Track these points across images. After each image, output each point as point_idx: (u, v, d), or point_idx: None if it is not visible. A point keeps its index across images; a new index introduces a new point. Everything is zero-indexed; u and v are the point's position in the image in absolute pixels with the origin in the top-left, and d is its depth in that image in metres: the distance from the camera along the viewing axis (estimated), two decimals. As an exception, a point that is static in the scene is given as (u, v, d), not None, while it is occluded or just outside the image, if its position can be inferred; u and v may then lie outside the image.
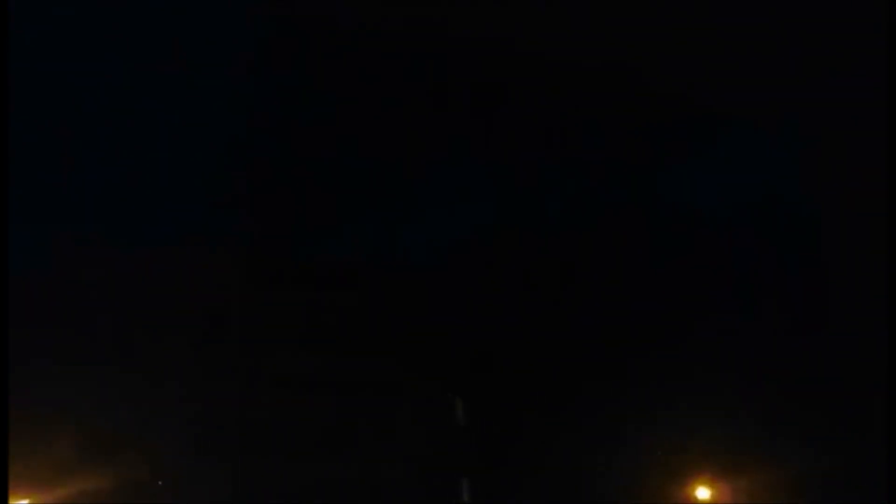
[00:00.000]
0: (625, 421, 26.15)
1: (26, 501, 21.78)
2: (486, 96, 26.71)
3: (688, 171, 27.59)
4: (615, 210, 28.31)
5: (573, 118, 27.23)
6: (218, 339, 25.50)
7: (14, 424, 17.99)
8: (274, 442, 25.37)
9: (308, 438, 25.57)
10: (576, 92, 25.70)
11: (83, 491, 22.23)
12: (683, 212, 28.26)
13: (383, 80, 26.73)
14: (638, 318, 27.26)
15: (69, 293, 24.30)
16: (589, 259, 27.84)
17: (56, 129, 25.15)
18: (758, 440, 25.04)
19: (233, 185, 26.92)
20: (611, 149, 27.82)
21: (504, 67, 24.79)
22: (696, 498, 27.22)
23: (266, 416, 25.40)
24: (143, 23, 26.27)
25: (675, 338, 26.76)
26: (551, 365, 26.92)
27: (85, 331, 24.00)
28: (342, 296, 26.67)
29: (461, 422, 27.64)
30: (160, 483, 24.09)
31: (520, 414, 26.91)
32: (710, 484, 27.00)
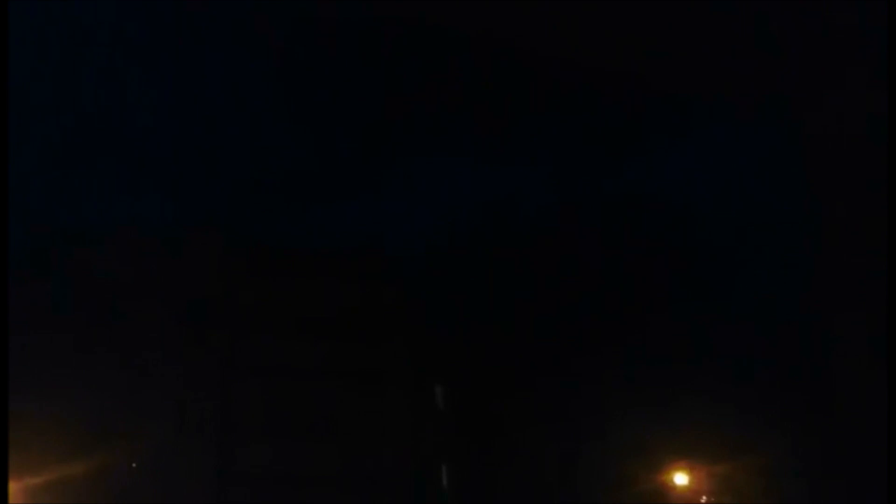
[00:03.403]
0: (605, 409, 26.32)
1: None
2: (469, 90, 26.70)
3: (674, 163, 27.80)
4: (600, 203, 28.45)
5: (557, 113, 27.31)
6: (202, 327, 25.43)
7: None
8: (259, 428, 25.39)
9: (292, 424, 25.59)
10: (560, 86, 25.75)
11: (66, 475, 22.13)
12: (667, 205, 28.48)
13: (371, 74, 26.68)
14: (620, 309, 27.43)
15: (54, 284, 24.16)
16: (571, 251, 27.98)
17: (43, 124, 24.88)
18: (737, 429, 25.20)
19: (216, 176, 26.81)
20: (592, 143, 27.93)
21: (487, 60, 24.78)
22: (673, 483, 27.51)
23: (251, 404, 25.40)
24: (129, 19, 25.99)
25: (657, 328, 26.93)
26: (533, 354, 27.09)
27: (71, 320, 23.87)
28: (326, 285, 26.66)
29: (442, 409, 27.80)
30: (133, 465, 24.00)
31: (500, 401, 27.08)
32: (688, 470, 27.28)
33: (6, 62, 11.51)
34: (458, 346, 27.65)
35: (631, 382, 26.26)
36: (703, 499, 27.65)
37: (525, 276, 27.77)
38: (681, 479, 27.38)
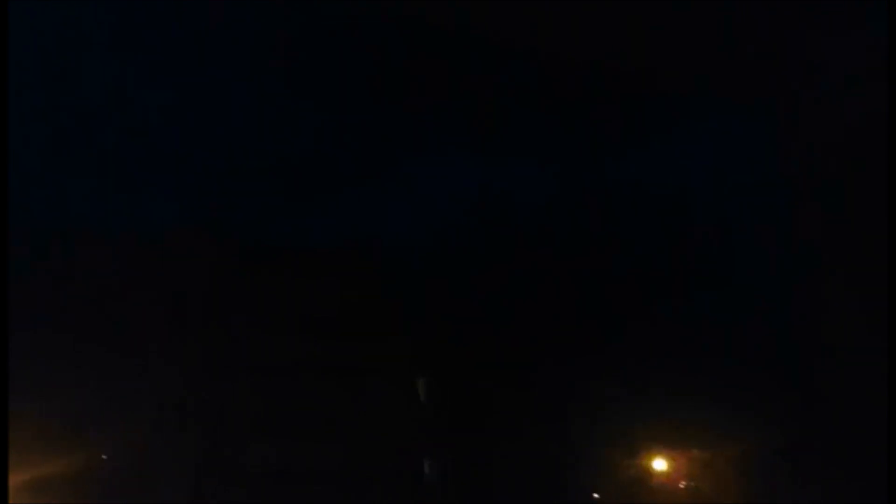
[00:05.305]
0: (589, 399, 26.52)
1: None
2: (468, 86, 26.76)
3: (674, 160, 27.87)
4: (600, 202, 28.58)
5: (557, 109, 27.40)
6: (196, 325, 25.33)
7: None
8: (256, 427, 25.36)
9: (288, 422, 25.58)
10: (560, 82, 25.87)
11: (57, 474, 22.03)
12: (657, 198, 28.64)
13: (369, 72, 26.66)
14: (606, 301, 27.62)
15: (48, 283, 23.99)
16: (558, 242, 28.14)
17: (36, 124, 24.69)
18: (716, 416, 25.45)
19: (211, 174, 26.71)
20: (592, 141, 28.02)
21: (485, 56, 24.88)
22: (652, 469, 27.86)
23: (247, 402, 25.36)
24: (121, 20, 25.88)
25: (641, 319, 27.11)
26: (519, 347, 27.23)
27: (66, 319, 23.72)
28: (322, 282, 26.63)
29: (427, 403, 27.90)
30: (104, 457, 23.87)
31: (484, 395, 27.23)
32: (667, 456, 27.62)
33: (6, 62, 11.50)
34: (457, 344, 27.70)
35: (630, 380, 26.35)
36: (682, 484, 28.06)
37: (523, 272, 27.90)
38: (660, 464, 27.73)
